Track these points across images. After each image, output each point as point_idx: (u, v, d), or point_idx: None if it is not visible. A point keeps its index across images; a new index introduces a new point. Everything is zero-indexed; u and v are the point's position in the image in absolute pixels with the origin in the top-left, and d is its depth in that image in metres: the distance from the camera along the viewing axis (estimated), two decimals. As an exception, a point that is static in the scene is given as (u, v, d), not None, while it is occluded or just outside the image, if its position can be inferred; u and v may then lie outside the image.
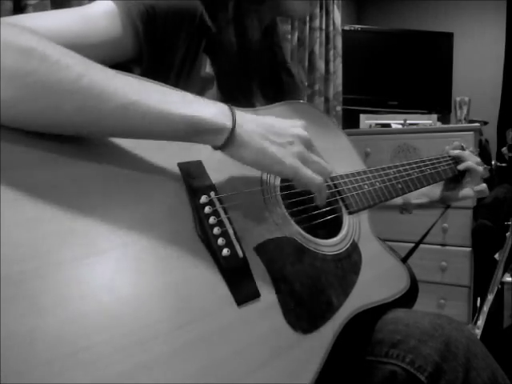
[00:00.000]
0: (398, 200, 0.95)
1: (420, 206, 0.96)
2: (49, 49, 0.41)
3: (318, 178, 0.52)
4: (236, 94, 0.67)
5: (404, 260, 0.75)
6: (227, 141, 0.48)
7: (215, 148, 0.50)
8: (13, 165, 0.40)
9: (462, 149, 0.97)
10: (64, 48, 0.43)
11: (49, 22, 0.49)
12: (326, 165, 0.55)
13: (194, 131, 0.47)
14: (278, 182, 0.63)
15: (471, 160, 0.92)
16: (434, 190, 0.95)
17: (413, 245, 0.95)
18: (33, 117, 0.41)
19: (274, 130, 0.51)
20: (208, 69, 0.63)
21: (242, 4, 0.65)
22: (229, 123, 0.48)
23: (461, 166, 0.92)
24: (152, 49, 0.56)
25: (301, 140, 0.52)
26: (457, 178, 0.93)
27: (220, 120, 0.47)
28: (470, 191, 0.91)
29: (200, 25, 0.60)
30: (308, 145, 0.54)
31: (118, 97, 0.43)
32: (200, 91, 0.62)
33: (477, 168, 0.91)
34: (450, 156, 0.94)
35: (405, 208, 0.96)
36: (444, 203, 0.96)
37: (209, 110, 0.48)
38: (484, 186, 0.91)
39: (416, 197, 0.96)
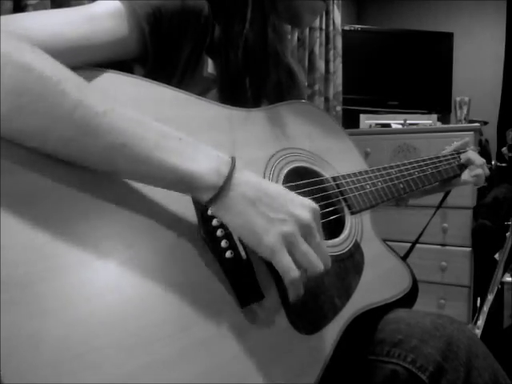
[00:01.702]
0: None
1: (414, 195, 0.96)
2: (48, 69, 0.40)
3: (295, 272, 0.44)
4: (237, 95, 0.67)
5: (405, 257, 0.75)
6: (212, 200, 0.44)
7: (202, 202, 0.46)
8: (16, 167, 0.40)
9: (467, 145, 0.98)
10: (65, 68, 0.42)
11: (53, 21, 0.48)
12: (317, 260, 0.46)
13: (179, 184, 0.44)
14: (280, 183, 0.63)
15: (478, 161, 0.93)
16: None
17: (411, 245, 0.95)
18: (21, 137, 0.40)
19: (268, 201, 0.45)
20: (210, 69, 0.63)
21: (262, 11, 0.65)
22: (219, 182, 0.44)
23: (463, 155, 0.93)
24: (157, 49, 0.55)
25: (298, 223, 0.45)
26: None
27: (210, 178, 0.44)
28: (467, 176, 0.92)
29: (204, 25, 0.60)
30: (306, 230, 0.46)
31: (109, 135, 0.41)
32: (203, 91, 0.62)
33: (477, 156, 0.92)
34: (451, 154, 0.94)
35: (400, 199, 0.96)
36: (443, 190, 0.97)
37: (203, 164, 0.44)
38: (479, 170, 0.92)
39: None
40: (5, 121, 0.39)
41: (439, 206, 1.03)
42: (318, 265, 0.46)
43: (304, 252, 0.45)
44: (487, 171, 0.95)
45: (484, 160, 0.94)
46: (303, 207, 0.46)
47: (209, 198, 0.44)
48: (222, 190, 0.44)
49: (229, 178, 0.44)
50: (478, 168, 0.92)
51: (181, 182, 0.44)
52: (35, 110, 0.39)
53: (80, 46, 0.49)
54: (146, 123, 0.44)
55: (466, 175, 0.92)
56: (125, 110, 0.43)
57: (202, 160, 0.44)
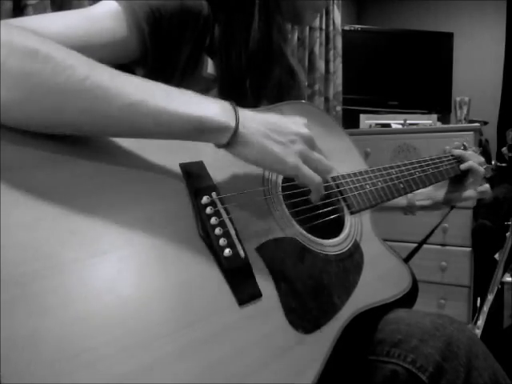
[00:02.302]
0: (402, 201, 0.95)
1: (424, 208, 0.96)
2: (53, 50, 0.42)
3: (318, 177, 0.53)
4: (237, 95, 0.67)
5: (407, 260, 0.75)
6: (231, 140, 0.48)
7: (219, 146, 0.50)
8: (14, 165, 0.40)
9: (465, 148, 0.97)
10: (68, 49, 0.43)
11: (54, 23, 0.49)
12: (327, 163, 0.55)
13: (200, 130, 0.47)
14: (279, 181, 0.63)
15: (474, 159, 0.92)
16: (438, 192, 0.95)
17: (413, 245, 0.95)
18: (37, 117, 0.41)
19: (276, 129, 0.52)
20: (210, 69, 0.63)
21: (267, 10, 0.65)
22: (232, 122, 0.48)
23: (463, 166, 0.91)
24: (157, 50, 0.55)
25: (303, 138, 0.53)
26: (460, 179, 0.93)
27: (224, 119, 0.48)
28: (472, 192, 0.91)
29: (204, 26, 0.60)
30: (310, 143, 0.54)
31: (122, 97, 0.43)
32: (203, 92, 0.61)
33: (478, 168, 0.91)
34: (452, 155, 0.94)
35: (409, 210, 0.96)
36: (448, 204, 0.96)
37: (213, 108, 0.48)
38: (487, 186, 0.91)
39: (420, 198, 0.96)
40: (20, 105, 0.40)
41: (444, 217, 1.02)
42: (329, 165, 0.56)
43: (317, 159, 0.54)
44: (488, 172, 0.95)
45: (484, 167, 0.93)
46: (298, 124, 0.54)
47: (227, 139, 0.48)
48: (236, 129, 0.48)
49: (237, 117, 0.49)
50: (484, 183, 0.91)
51: (198, 128, 0.47)
52: (48, 89, 0.40)
53: (80, 46, 0.49)
54: (151, 83, 0.47)
55: (470, 191, 0.91)
56: (128, 75, 0.46)
57: (210, 106, 0.48)
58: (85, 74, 0.42)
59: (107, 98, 0.43)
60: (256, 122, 0.51)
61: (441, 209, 0.97)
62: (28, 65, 0.40)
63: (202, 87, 0.62)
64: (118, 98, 0.43)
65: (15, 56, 0.39)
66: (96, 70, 0.43)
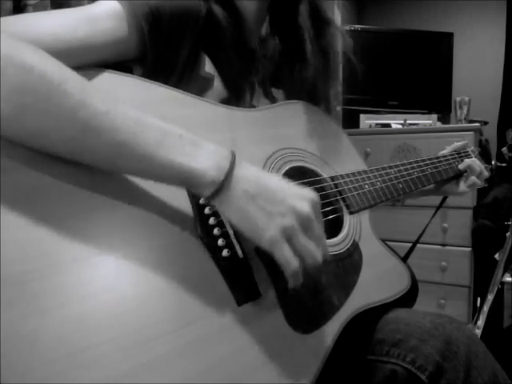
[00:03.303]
0: None
1: (411, 195, 0.97)
2: (49, 69, 0.41)
3: (294, 264, 0.45)
4: (238, 92, 0.67)
5: (404, 259, 0.75)
6: (213, 195, 0.45)
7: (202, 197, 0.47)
8: (13, 165, 0.40)
9: (466, 146, 0.99)
10: (65, 68, 0.43)
11: (54, 22, 0.48)
12: (316, 252, 0.47)
13: (180, 180, 0.45)
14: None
15: (478, 169, 0.94)
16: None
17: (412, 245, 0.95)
18: (24, 137, 0.41)
19: (268, 196, 0.46)
20: (208, 68, 0.63)
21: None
22: (220, 178, 0.44)
23: (461, 166, 0.93)
24: (156, 49, 0.56)
25: (297, 216, 0.46)
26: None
27: (211, 175, 0.44)
28: (463, 187, 0.94)
29: (203, 26, 0.60)
30: (305, 223, 0.46)
31: (112, 134, 0.42)
32: (200, 91, 0.62)
33: (476, 167, 0.92)
34: (451, 154, 0.95)
35: (397, 199, 0.96)
36: (439, 195, 0.98)
37: (204, 160, 0.45)
38: (473, 180, 0.93)
39: None
40: (9, 121, 0.39)
41: (438, 208, 1.03)
42: (318, 256, 0.47)
43: (303, 244, 0.46)
44: (487, 173, 0.95)
45: (482, 166, 0.95)
46: (302, 199, 0.47)
47: (210, 193, 0.45)
48: (222, 185, 0.44)
49: (229, 173, 0.45)
50: (472, 177, 0.93)
51: (182, 178, 0.45)
52: (38, 110, 0.40)
53: (80, 46, 0.49)
54: (147, 121, 0.44)
55: (462, 186, 0.94)
56: (126, 109, 0.44)
57: (203, 156, 0.45)
58: (78, 103, 0.41)
59: (96, 133, 0.41)
60: (249, 180, 0.46)
61: (429, 195, 0.98)
62: (22, 82, 0.39)
63: (201, 86, 0.62)
64: (108, 135, 0.42)
65: (11, 70, 0.39)
66: (90, 100, 0.42)
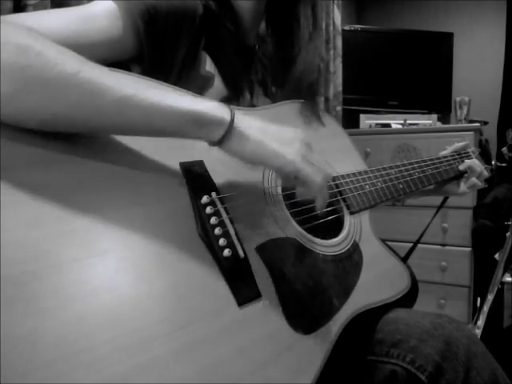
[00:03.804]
0: None
1: (411, 195, 0.97)
2: (45, 46, 0.42)
3: (319, 177, 0.51)
4: (238, 91, 0.68)
5: (404, 259, 0.75)
6: (226, 134, 0.47)
7: (212, 144, 0.49)
8: (13, 165, 0.40)
9: (467, 147, 0.99)
10: (60, 46, 0.43)
11: (50, 21, 0.49)
12: (326, 165, 0.54)
13: (193, 123, 0.47)
14: (279, 182, 0.63)
15: (478, 170, 0.94)
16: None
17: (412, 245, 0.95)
18: (29, 112, 0.41)
19: (272, 127, 0.51)
20: (208, 67, 0.63)
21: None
22: (227, 116, 0.48)
23: (462, 167, 0.93)
24: (153, 48, 0.56)
25: (300, 141, 0.51)
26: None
27: (219, 113, 0.47)
28: (464, 188, 0.94)
29: (200, 25, 0.60)
30: (307, 145, 0.52)
31: (114, 91, 0.43)
32: (200, 90, 0.62)
33: (476, 168, 0.92)
34: (452, 155, 0.95)
35: (397, 199, 0.96)
36: (439, 195, 0.98)
37: (206, 103, 0.47)
38: (474, 181, 0.93)
39: None
40: (13, 99, 0.40)
41: (439, 208, 1.03)
42: (329, 170, 0.54)
43: (316, 159, 0.52)
44: (487, 174, 0.95)
45: (483, 167, 0.95)
46: (295, 131, 0.53)
47: (221, 134, 0.47)
48: (231, 123, 0.47)
49: (233, 112, 0.48)
50: (472, 178, 0.93)
51: (191, 122, 0.46)
52: (39, 83, 0.40)
53: (77, 45, 0.49)
54: (145, 79, 0.47)
55: (462, 187, 0.94)
56: (122, 72, 0.46)
57: (203, 101, 0.48)
58: (76, 68, 0.42)
59: (99, 91, 0.42)
60: (253, 118, 0.50)
61: (429, 195, 0.99)
62: (20, 59, 0.40)
63: (200, 85, 0.62)
64: (110, 92, 0.42)
65: (8, 50, 0.39)
66: (87, 66, 0.43)
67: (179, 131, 0.47)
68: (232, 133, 0.48)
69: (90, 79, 0.42)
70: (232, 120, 0.47)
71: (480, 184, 0.94)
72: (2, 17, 0.46)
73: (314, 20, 0.71)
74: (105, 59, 0.53)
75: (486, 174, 0.95)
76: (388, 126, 2.22)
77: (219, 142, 0.48)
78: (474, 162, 0.94)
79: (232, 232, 0.51)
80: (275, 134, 0.50)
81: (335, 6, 2.26)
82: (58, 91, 0.41)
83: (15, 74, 0.39)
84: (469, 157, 0.97)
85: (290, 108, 0.71)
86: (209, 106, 0.47)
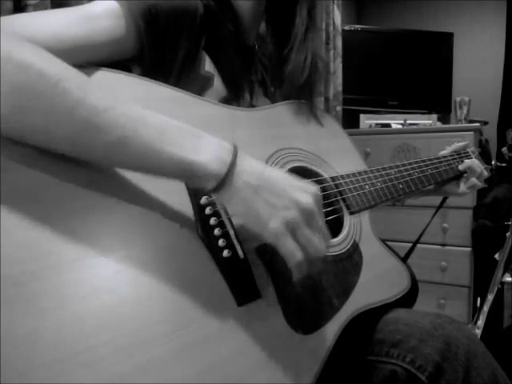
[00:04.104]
0: None
1: (412, 195, 0.97)
2: (48, 67, 0.41)
3: (299, 255, 0.46)
4: (237, 91, 0.68)
5: (404, 259, 0.75)
6: (217, 186, 0.45)
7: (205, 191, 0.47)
8: (13, 165, 0.40)
9: (467, 147, 0.98)
10: (64, 65, 0.42)
11: (52, 21, 0.48)
12: (319, 243, 0.47)
13: (187, 175, 0.45)
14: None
15: (478, 170, 0.94)
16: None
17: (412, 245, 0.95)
18: (24, 135, 0.41)
19: (271, 188, 0.46)
20: (207, 67, 0.63)
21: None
22: (223, 171, 0.44)
23: (461, 167, 0.93)
24: (154, 48, 0.56)
25: (300, 209, 0.46)
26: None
27: (213, 167, 0.44)
28: (464, 188, 0.94)
29: (200, 25, 0.60)
30: (308, 216, 0.47)
31: (111, 131, 0.41)
32: (200, 90, 0.62)
33: (476, 168, 0.93)
34: (451, 155, 0.95)
35: (397, 199, 0.96)
36: (439, 195, 0.98)
37: (206, 153, 0.44)
38: (473, 181, 0.93)
39: None
40: (8, 119, 0.39)
41: (438, 208, 1.04)
42: (321, 247, 0.47)
43: (306, 236, 0.46)
44: (486, 174, 0.95)
45: (482, 167, 0.95)
46: (305, 192, 0.47)
47: (213, 186, 0.45)
48: (225, 178, 0.44)
49: (232, 166, 0.45)
50: (472, 178, 0.93)
51: (184, 172, 0.44)
52: (37, 109, 0.39)
53: (79, 45, 0.49)
54: (147, 116, 0.44)
55: (462, 187, 0.94)
56: (125, 105, 0.44)
57: (204, 149, 0.45)
58: (77, 100, 0.40)
59: (96, 131, 0.41)
60: (251, 173, 0.46)
61: (429, 196, 0.99)
62: (20, 80, 0.39)
63: (200, 85, 0.62)
64: (107, 132, 0.41)
65: (9, 68, 0.39)
66: (90, 97, 0.41)
67: (172, 177, 0.46)
68: (222, 188, 0.45)
69: (89, 116, 0.40)
70: (225, 176, 0.44)
71: (480, 184, 0.94)
72: (7, 17, 0.46)
73: (310, 20, 0.71)
74: (107, 59, 0.53)
75: (486, 174, 0.96)
76: (388, 125, 2.22)
77: (210, 192, 0.46)
78: (474, 162, 0.94)
79: (231, 233, 0.51)
80: (271, 194, 0.46)
81: (335, 6, 2.26)
82: (55, 122, 0.40)
83: (12, 94, 0.39)
84: (468, 157, 0.97)
85: (287, 108, 0.71)
86: (206, 158, 0.44)
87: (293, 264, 0.47)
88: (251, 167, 0.46)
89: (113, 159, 0.43)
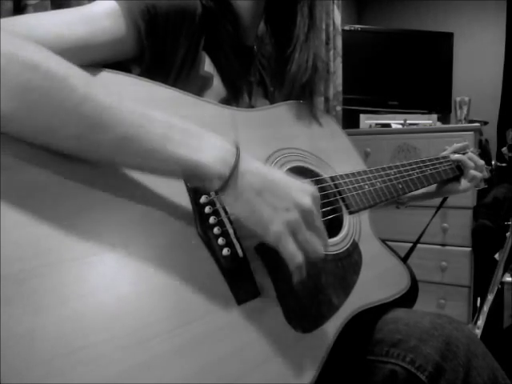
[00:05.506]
0: None
1: (415, 198, 0.97)
2: (53, 66, 0.41)
3: (299, 257, 0.46)
4: (236, 91, 0.68)
5: (404, 259, 0.75)
6: (220, 189, 0.45)
7: (209, 190, 0.48)
8: (12, 163, 0.40)
9: (466, 147, 0.98)
10: (69, 64, 0.43)
11: (53, 22, 0.49)
12: (319, 246, 0.48)
13: (192, 175, 0.45)
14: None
15: (472, 165, 0.93)
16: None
17: (412, 245, 0.95)
18: (30, 134, 0.41)
19: (273, 189, 0.47)
20: (206, 67, 0.64)
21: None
22: (226, 172, 0.45)
23: (453, 157, 0.93)
24: (153, 48, 0.56)
25: (300, 210, 0.47)
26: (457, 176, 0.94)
27: (217, 168, 0.44)
28: (465, 183, 0.94)
29: (200, 25, 0.60)
30: (308, 217, 0.48)
31: (117, 128, 0.41)
32: (199, 90, 0.62)
33: (468, 162, 0.92)
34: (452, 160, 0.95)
35: (400, 202, 0.96)
36: (442, 196, 0.98)
37: (210, 154, 0.45)
38: (473, 173, 0.93)
39: None
40: (14, 118, 0.39)
41: (438, 208, 1.04)
42: (320, 249, 0.49)
43: (306, 238, 0.47)
44: (486, 173, 0.95)
45: (482, 162, 0.95)
46: (304, 192, 0.48)
47: (217, 186, 0.45)
48: (229, 179, 0.45)
49: (235, 167, 0.45)
50: (470, 171, 0.92)
51: (188, 172, 0.45)
52: (43, 108, 0.40)
53: (79, 46, 0.49)
54: (152, 115, 0.45)
55: (463, 182, 0.93)
56: (130, 103, 0.44)
57: (208, 150, 0.45)
58: (83, 97, 0.40)
59: (102, 127, 0.41)
60: (254, 174, 0.47)
61: (432, 198, 0.98)
62: (26, 79, 0.39)
63: (199, 85, 0.62)
64: (114, 128, 0.41)
65: (15, 68, 0.39)
66: (95, 94, 0.41)
67: (175, 177, 0.46)
68: (226, 189, 0.45)
69: (94, 113, 0.41)
70: (229, 177, 0.45)
71: (480, 175, 0.93)
72: (8, 19, 0.46)
73: (311, 20, 0.71)
74: (107, 59, 0.53)
75: (482, 162, 0.95)
76: (388, 125, 2.22)
77: (214, 191, 0.47)
78: (462, 157, 0.93)
79: (231, 231, 0.51)
80: (273, 196, 0.47)
81: (335, 6, 2.26)
82: (61, 120, 0.40)
83: (21, 94, 0.39)
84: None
85: (287, 109, 0.71)
86: (210, 158, 0.44)
87: (293, 266, 0.47)
88: (254, 168, 0.47)
89: (117, 157, 0.44)
